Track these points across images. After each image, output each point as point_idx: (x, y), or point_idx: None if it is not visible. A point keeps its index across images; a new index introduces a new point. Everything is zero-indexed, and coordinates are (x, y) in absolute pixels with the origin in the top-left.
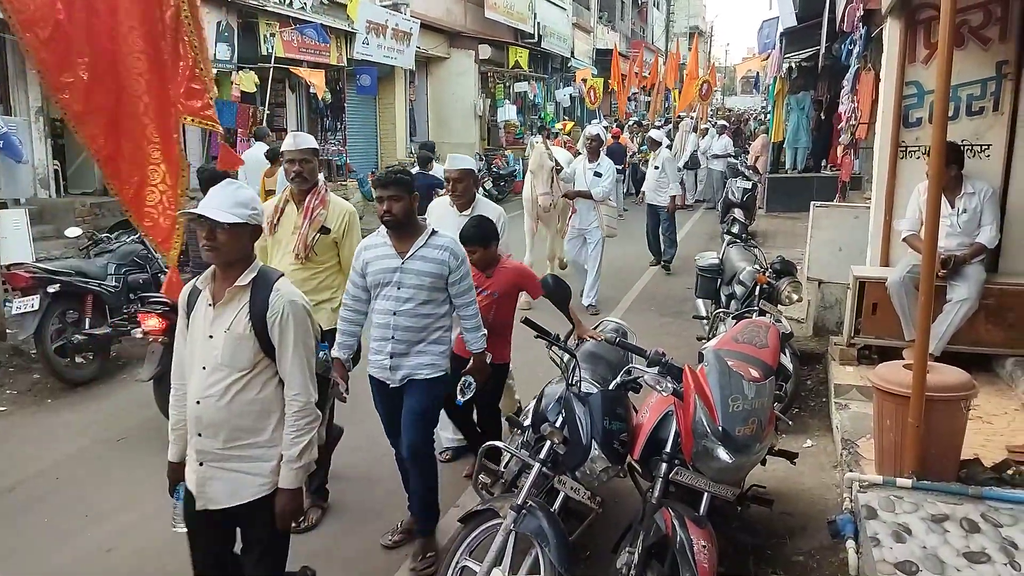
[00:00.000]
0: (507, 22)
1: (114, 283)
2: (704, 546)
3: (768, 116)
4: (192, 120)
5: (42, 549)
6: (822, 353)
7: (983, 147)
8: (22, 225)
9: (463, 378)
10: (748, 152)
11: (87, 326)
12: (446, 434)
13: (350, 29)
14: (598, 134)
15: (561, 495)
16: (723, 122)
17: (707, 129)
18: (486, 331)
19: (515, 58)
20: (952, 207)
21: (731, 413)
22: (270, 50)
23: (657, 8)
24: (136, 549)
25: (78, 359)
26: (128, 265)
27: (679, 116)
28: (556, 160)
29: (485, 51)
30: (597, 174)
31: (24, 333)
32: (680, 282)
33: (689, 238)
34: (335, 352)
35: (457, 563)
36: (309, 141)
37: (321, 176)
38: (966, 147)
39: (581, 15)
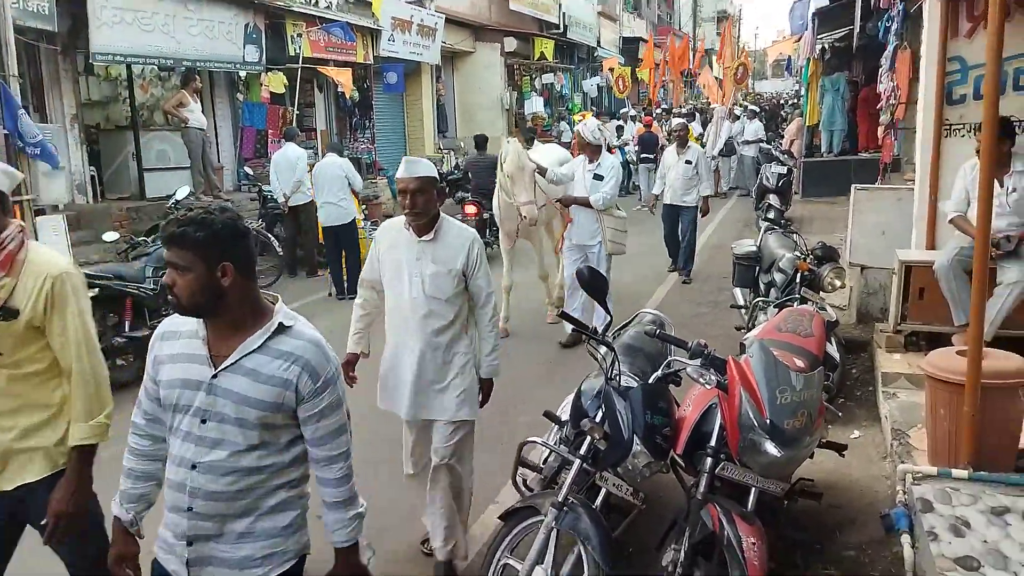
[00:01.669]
0: (532, 14)
1: (152, 286)
2: (753, 543)
3: (801, 99)
4: None
5: None
6: (867, 341)
7: None
8: (60, 230)
9: None
10: (783, 136)
11: (126, 329)
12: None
13: (375, 27)
14: (596, 127)
15: (603, 491)
16: (753, 107)
17: (738, 115)
18: (364, 506)
19: (541, 49)
20: (1001, 186)
21: (779, 406)
22: (298, 50)
23: None
24: None
25: (118, 361)
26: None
27: (705, 102)
28: (536, 162)
29: (511, 44)
30: (598, 176)
31: None
32: (716, 270)
33: (723, 226)
34: (114, 509)
35: (499, 561)
36: None
37: (15, 223)
38: (1015, 123)
39: (607, 3)
